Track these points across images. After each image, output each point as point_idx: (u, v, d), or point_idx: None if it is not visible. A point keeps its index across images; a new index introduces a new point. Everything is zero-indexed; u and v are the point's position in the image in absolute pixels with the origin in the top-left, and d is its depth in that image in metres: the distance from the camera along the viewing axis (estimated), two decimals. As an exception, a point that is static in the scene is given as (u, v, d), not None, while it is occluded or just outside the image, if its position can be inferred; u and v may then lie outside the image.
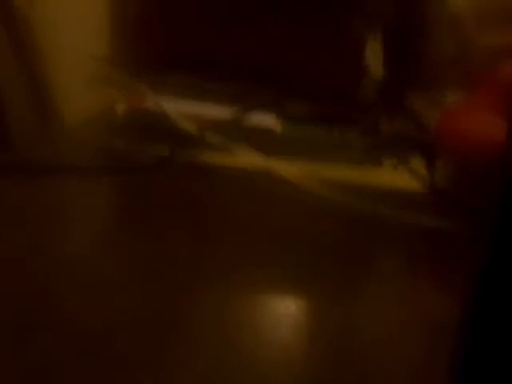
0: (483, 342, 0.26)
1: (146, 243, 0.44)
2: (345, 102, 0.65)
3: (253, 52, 0.67)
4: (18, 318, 0.34)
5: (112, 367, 0.31)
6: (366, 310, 0.39)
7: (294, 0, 0.66)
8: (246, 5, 0.66)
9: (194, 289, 0.39)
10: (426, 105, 0.67)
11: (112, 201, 0.56)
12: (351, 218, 0.51)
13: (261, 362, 0.32)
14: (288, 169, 0.57)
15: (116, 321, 0.35)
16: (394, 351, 0.35)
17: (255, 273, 0.42)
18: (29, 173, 0.54)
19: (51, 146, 0.63)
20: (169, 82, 0.65)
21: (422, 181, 0.56)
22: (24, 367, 0.30)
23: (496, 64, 0.60)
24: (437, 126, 0.57)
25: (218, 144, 0.59)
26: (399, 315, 0.38)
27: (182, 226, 0.48)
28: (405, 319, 0.38)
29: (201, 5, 0.68)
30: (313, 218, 0.51)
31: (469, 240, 0.43)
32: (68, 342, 0.32)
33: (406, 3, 0.70)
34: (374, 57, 0.68)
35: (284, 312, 0.38)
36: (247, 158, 0.58)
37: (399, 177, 0.59)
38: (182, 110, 0.62)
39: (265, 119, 0.63)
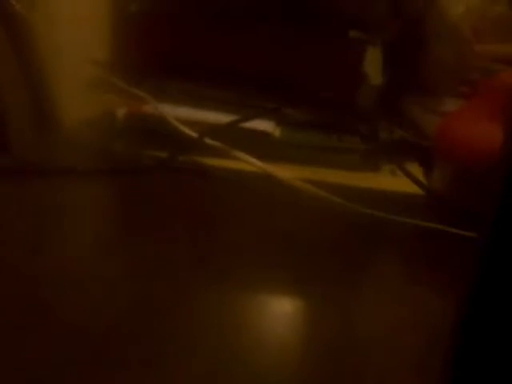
0: (478, 343, 0.27)
1: (144, 245, 0.44)
2: (344, 108, 0.65)
3: (252, 59, 0.67)
4: (14, 317, 0.34)
5: (109, 367, 0.31)
6: (363, 311, 0.39)
7: (293, 8, 0.67)
8: (246, 12, 0.67)
9: (192, 290, 0.39)
10: (424, 111, 0.67)
11: (111, 204, 0.56)
12: (349, 221, 0.51)
13: (258, 363, 0.32)
14: (287, 173, 0.57)
15: (114, 321, 0.35)
16: (390, 352, 0.35)
17: (253, 274, 0.42)
18: (28, 175, 0.53)
19: (50, 148, 0.63)
20: (168, 88, 0.66)
21: (419, 186, 0.57)
22: (20, 367, 0.30)
23: (493, 72, 0.60)
24: (435, 133, 0.57)
25: (217, 148, 0.60)
26: (396, 317, 0.39)
27: (181, 229, 0.48)
28: (401, 321, 0.38)
29: (201, 11, 0.68)
30: (311, 222, 0.51)
31: (465, 243, 0.44)
32: (66, 342, 0.32)
33: (405, 13, 0.71)
34: (373, 64, 0.68)
35: (281, 313, 0.38)
36: (246, 163, 0.59)
37: (397, 182, 0.60)
38: (181, 115, 0.62)
39: (264, 125, 0.63)
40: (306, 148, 0.63)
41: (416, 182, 0.57)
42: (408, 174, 0.58)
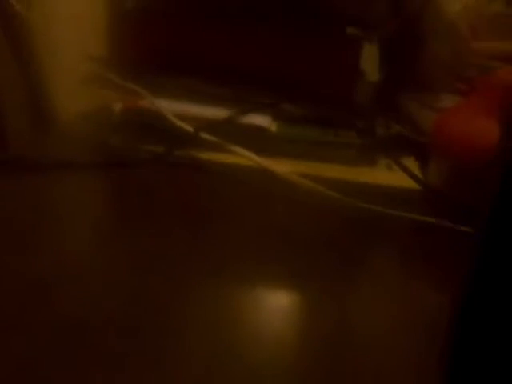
0: (475, 339, 0.27)
1: (140, 239, 0.44)
2: (341, 104, 0.65)
3: (249, 54, 0.67)
4: (11, 311, 0.34)
5: (105, 361, 0.31)
6: (359, 305, 0.39)
7: (290, 4, 0.67)
8: (243, 7, 0.67)
9: (188, 283, 0.39)
10: (420, 107, 0.67)
11: (107, 198, 0.56)
12: (345, 216, 0.51)
13: (254, 357, 0.32)
14: (283, 168, 0.57)
15: (110, 314, 0.35)
16: (387, 347, 0.35)
17: (250, 268, 0.42)
18: (25, 170, 0.53)
19: (47, 143, 0.63)
20: (165, 83, 0.66)
21: (415, 180, 0.57)
22: (11, 360, 0.30)
23: (490, 69, 0.60)
24: (431, 129, 0.57)
25: (213, 143, 0.60)
26: (393, 311, 0.39)
27: (177, 223, 0.48)
28: (398, 315, 0.38)
29: (197, 7, 0.68)
30: (307, 216, 0.51)
31: (462, 238, 0.44)
32: (62, 335, 0.32)
33: (402, 10, 0.71)
34: (370, 60, 0.68)
35: (278, 307, 0.38)
36: (242, 157, 0.59)
37: (393, 176, 0.60)
38: (178, 109, 0.62)
39: (260, 119, 0.63)
40: (302, 143, 0.63)
41: (412, 176, 0.57)
42: (404, 169, 0.58)
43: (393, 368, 0.33)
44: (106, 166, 0.57)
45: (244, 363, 0.32)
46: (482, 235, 0.26)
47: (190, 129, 0.60)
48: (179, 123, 0.60)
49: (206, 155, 0.60)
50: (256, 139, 0.61)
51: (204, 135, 0.60)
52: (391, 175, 0.60)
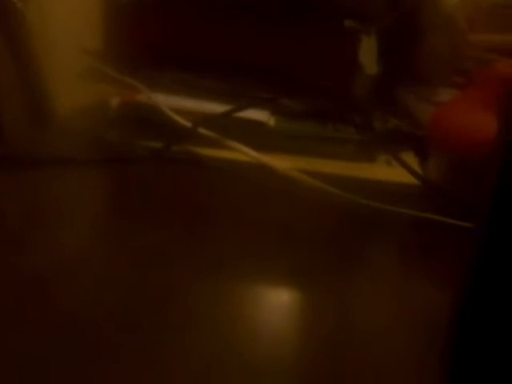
0: (475, 338, 0.27)
1: (139, 235, 0.44)
2: (339, 98, 0.65)
3: (247, 48, 0.67)
4: (9, 306, 0.34)
5: (103, 357, 0.31)
6: (359, 301, 0.39)
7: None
8: (240, 2, 0.66)
9: (187, 280, 0.39)
10: (418, 101, 0.67)
11: (105, 193, 0.56)
12: (345, 212, 0.51)
13: (254, 354, 0.32)
14: (282, 163, 0.57)
15: (108, 310, 0.35)
16: (387, 344, 0.35)
17: (249, 264, 0.42)
18: (22, 165, 0.53)
19: (44, 138, 0.63)
20: (162, 78, 0.65)
21: (415, 176, 0.57)
22: (9, 356, 0.30)
23: (488, 62, 0.60)
24: (430, 122, 0.57)
25: (211, 138, 0.60)
26: (393, 307, 0.39)
27: (176, 218, 0.48)
28: (398, 311, 0.38)
29: (194, 0, 0.68)
30: (306, 212, 0.51)
31: (462, 234, 0.44)
32: (60, 331, 0.32)
33: (400, 2, 0.71)
34: (367, 54, 0.68)
35: (277, 303, 0.38)
36: (241, 153, 0.58)
37: (393, 172, 0.60)
38: (175, 104, 0.62)
39: (258, 114, 0.63)
40: (301, 138, 0.63)
41: (411, 172, 0.57)
42: (403, 164, 0.58)
43: (393, 365, 0.33)
44: (104, 162, 0.57)
45: (243, 359, 0.32)
46: (482, 230, 0.26)
47: (187, 124, 0.60)
48: (177, 118, 0.60)
49: (203, 150, 0.60)
50: (254, 134, 0.61)
51: (202, 130, 0.60)
52: (390, 171, 0.60)
